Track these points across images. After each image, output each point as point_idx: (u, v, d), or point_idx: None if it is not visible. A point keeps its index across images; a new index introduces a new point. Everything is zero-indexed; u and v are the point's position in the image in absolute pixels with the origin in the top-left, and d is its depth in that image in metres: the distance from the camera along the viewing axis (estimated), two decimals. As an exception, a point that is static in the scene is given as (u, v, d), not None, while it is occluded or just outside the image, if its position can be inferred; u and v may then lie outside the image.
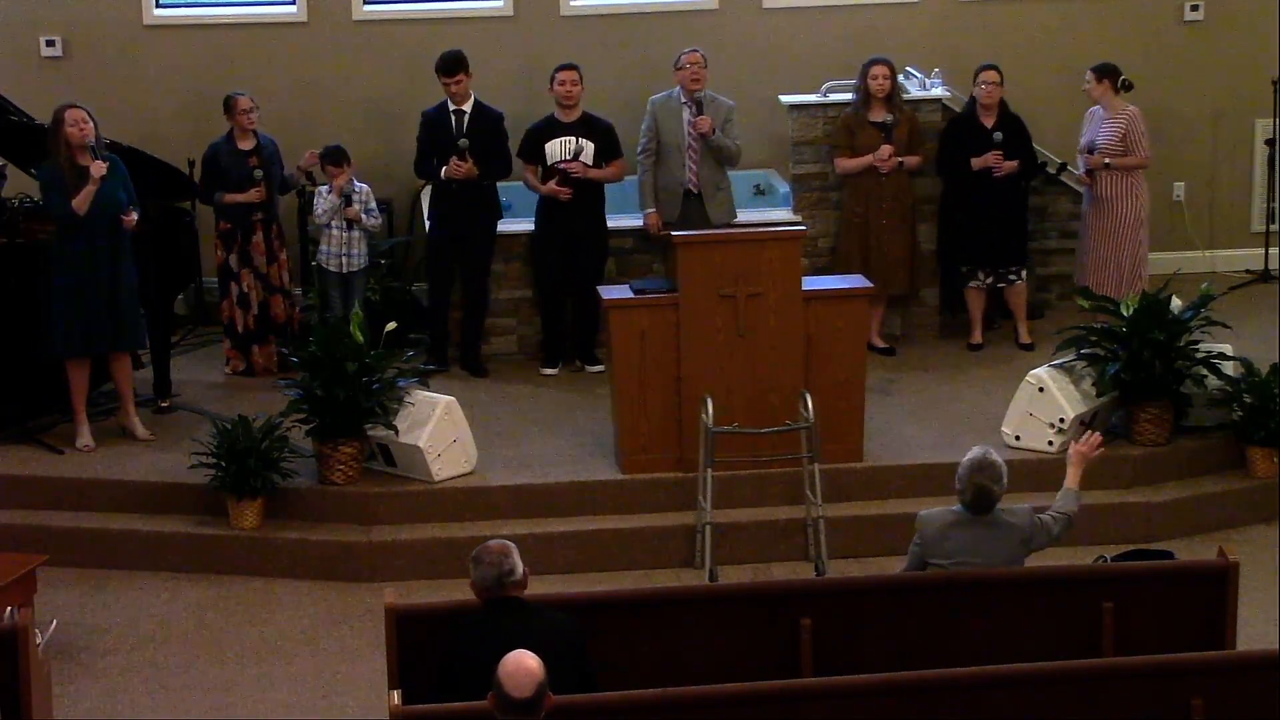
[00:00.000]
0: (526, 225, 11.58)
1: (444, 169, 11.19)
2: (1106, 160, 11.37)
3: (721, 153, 11.32)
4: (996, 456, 7.43)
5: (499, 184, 11.68)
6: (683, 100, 11.30)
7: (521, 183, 11.55)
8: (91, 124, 10.01)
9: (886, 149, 11.38)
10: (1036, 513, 7.54)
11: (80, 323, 10.11)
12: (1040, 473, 9.58)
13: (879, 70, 11.40)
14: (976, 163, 11.44)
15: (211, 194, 11.25)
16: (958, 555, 7.38)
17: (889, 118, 11.44)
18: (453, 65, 11.22)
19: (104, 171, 9.91)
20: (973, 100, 11.60)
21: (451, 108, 11.28)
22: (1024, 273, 11.75)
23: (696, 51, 11.30)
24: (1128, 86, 11.49)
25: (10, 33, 12.37)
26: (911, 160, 11.50)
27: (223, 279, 11.38)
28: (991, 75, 11.50)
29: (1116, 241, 11.43)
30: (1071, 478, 7.70)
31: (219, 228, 11.33)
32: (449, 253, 11.42)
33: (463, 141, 11.21)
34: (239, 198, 11.18)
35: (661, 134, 11.34)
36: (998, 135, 11.46)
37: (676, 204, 11.37)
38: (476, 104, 11.32)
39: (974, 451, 7.46)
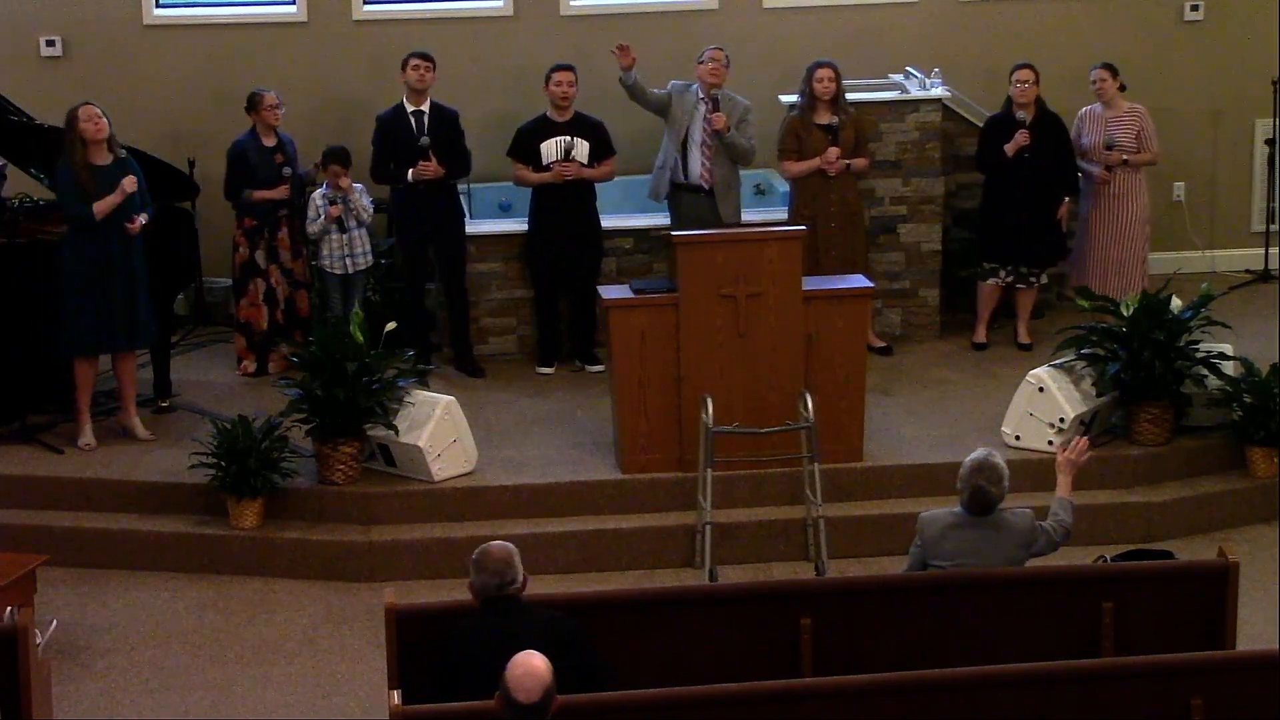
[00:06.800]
0: (524, 225, 11.56)
1: (411, 171, 11.14)
2: (1125, 157, 11.42)
3: (735, 151, 11.31)
4: (999, 459, 7.42)
5: (501, 185, 11.65)
6: (700, 96, 11.30)
7: (512, 182, 11.53)
8: (105, 121, 10.04)
9: (833, 151, 11.32)
10: (1037, 519, 7.54)
11: (94, 323, 10.11)
12: (1040, 472, 9.55)
13: (823, 73, 11.35)
14: (1008, 148, 11.42)
15: (238, 191, 11.21)
16: (958, 557, 7.38)
17: (835, 120, 11.41)
18: (425, 53, 11.23)
19: (134, 188, 9.98)
20: (1009, 99, 11.60)
21: (409, 108, 11.22)
22: (1044, 276, 11.76)
23: (721, 50, 11.30)
24: (1122, 87, 11.57)
25: (10, 33, 12.36)
26: (859, 163, 11.43)
27: (244, 277, 11.32)
28: (1025, 74, 11.48)
29: (1123, 241, 11.46)
30: (1063, 486, 7.66)
31: (243, 225, 11.27)
32: (423, 255, 11.40)
33: (424, 140, 11.17)
34: (270, 195, 11.16)
35: (671, 115, 11.34)
36: (1021, 114, 11.45)
37: (661, 182, 11.37)
38: (433, 104, 11.29)
39: (977, 453, 7.46)
